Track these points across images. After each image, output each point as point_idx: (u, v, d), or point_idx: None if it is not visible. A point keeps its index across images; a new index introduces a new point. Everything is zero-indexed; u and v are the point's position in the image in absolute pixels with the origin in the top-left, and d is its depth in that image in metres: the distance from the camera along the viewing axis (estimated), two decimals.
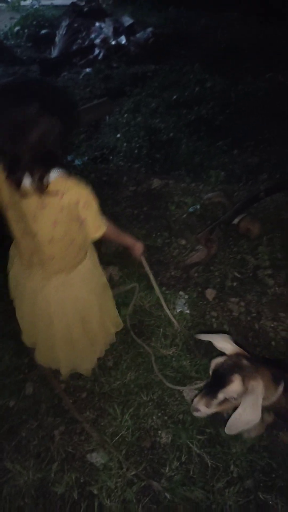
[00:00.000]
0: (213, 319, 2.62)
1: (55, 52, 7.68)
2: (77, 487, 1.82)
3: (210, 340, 1.53)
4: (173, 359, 2.34)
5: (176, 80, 6.06)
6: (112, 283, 2.86)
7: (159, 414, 2.10)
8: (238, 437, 1.97)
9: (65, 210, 1.46)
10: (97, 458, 1.91)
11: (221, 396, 1.37)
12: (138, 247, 1.99)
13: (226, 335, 1.55)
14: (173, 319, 2.48)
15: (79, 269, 1.74)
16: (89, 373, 2.23)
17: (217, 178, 3.78)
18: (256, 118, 4.99)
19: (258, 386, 1.31)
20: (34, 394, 2.23)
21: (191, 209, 3.40)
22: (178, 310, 2.63)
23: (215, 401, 1.38)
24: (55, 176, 1.40)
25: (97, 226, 1.57)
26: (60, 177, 1.42)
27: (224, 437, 1.95)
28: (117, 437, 1.99)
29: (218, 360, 1.45)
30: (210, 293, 2.79)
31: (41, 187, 1.38)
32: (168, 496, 1.77)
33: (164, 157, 4.38)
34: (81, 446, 1.98)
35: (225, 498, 1.75)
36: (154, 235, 3.29)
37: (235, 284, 2.84)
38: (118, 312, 2.28)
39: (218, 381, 1.38)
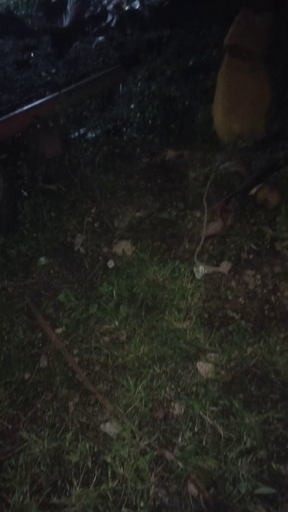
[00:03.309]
0: (228, 292, 2.57)
1: (66, 21, 7.44)
2: (91, 456, 1.86)
3: None
4: (187, 332, 2.32)
5: (193, 44, 5.75)
6: (125, 258, 2.83)
7: (172, 386, 2.10)
8: (252, 408, 1.95)
9: None
10: (110, 428, 1.94)
11: None
12: None
13: None
14: None
15: None
16: None
17: (234, 147, 3.63)
18: (279, 82, 4.72)
19: None
20: (48, 367, 2.27)
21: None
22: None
23: None
24: None
25: None
26: None
27: (238, 408, 1.94)
28: (130, 408, 2.00)
29: None
30: (225, 266, 2.72)
31: None
32: (180, 465, 1.79)
33: (179, 127, 4.20)
34: (95, 417, 2.01)
35: (238, 468, 1.75)
36: (168, 208, 3.21)
37: (251, 256, 2.75)
38: None
39: None
